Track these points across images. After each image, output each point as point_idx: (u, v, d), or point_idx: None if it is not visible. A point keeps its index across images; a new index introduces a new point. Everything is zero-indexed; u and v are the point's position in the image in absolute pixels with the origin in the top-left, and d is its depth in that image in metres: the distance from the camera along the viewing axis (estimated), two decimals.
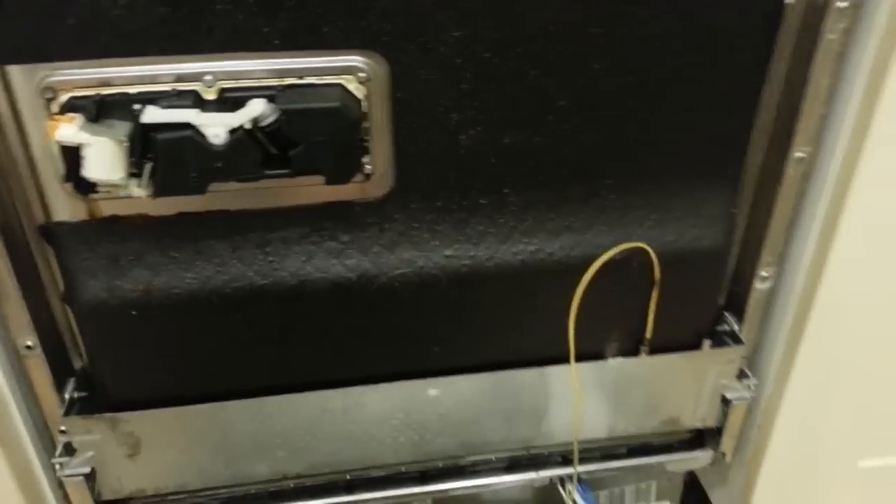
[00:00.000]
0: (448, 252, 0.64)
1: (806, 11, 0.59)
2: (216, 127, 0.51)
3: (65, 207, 0.57)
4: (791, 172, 0.65)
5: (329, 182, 0.56)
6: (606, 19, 0.56)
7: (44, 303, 0.63)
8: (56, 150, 0.52)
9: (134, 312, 0.62)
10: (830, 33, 0.58)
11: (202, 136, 0.50)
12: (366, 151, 0.57)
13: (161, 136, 0.50)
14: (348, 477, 0.76)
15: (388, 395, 0.69)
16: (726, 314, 0.76)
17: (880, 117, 0.58)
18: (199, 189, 0.53)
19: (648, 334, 0.71)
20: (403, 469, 0.77)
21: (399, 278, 0.64)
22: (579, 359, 0.71)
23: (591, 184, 0.63)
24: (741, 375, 0.76)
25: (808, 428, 0.76)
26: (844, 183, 0.62)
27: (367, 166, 0.58)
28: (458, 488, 0.79)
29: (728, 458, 0.80)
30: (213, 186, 0.54)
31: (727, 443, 0.79)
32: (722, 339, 0.76)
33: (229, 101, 0.52)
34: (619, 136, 0.61)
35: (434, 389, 0.69)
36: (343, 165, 0.55)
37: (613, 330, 0.71)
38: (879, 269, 0.66)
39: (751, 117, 0.64)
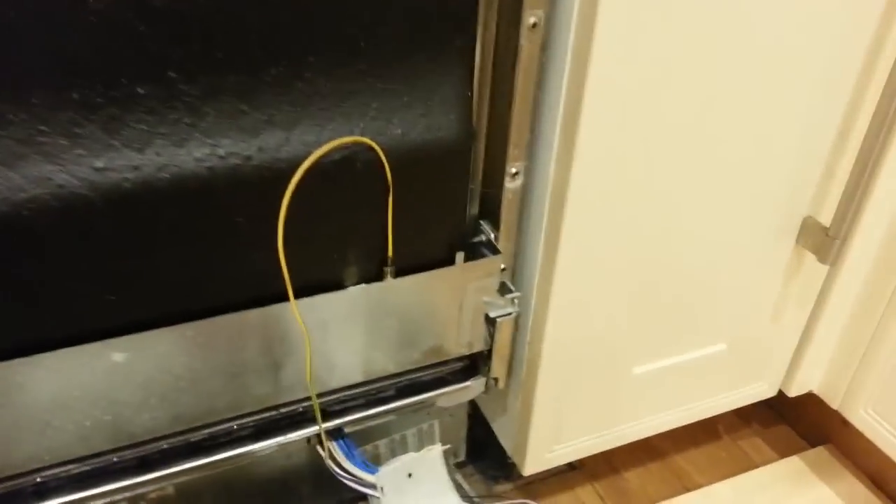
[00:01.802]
0: (99, 164, 0.45)
1: None
2: None
3: None
4: (526, 44, 0.54)
5: None
6: None
7: None
8: None
9: None
10: None
11: None
12: None
13: None
14: (38, 479, 0.56)
15: (53, 369, 0.50)
16: (482, 223, 0.65)
17: None
18: None
19: (390, 252, 0.57)
20: (115, 459, 0.58)
21: (30, 205, 0.44)
22: (311, 292, 0.56)
23: (291, 62, 0.48)
24: (503, 290, 0.65)
25: (578, 339, 0.68)
26: (583, 49, 0.52)
27: None
28: (191, 469, 0.61)
29: (501, 384, 0.70)
30: None
31: (498, 366, 0.69)
32: (480, 252, 0.64)
33: None
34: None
35: (119, 353, 0.51)
36: None
37: (347, 251, 0.56)
38: (633, 145, 0.57)
39: None
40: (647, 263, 0.66)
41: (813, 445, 0.94)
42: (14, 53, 0.41)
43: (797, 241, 0.71)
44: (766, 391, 0.84)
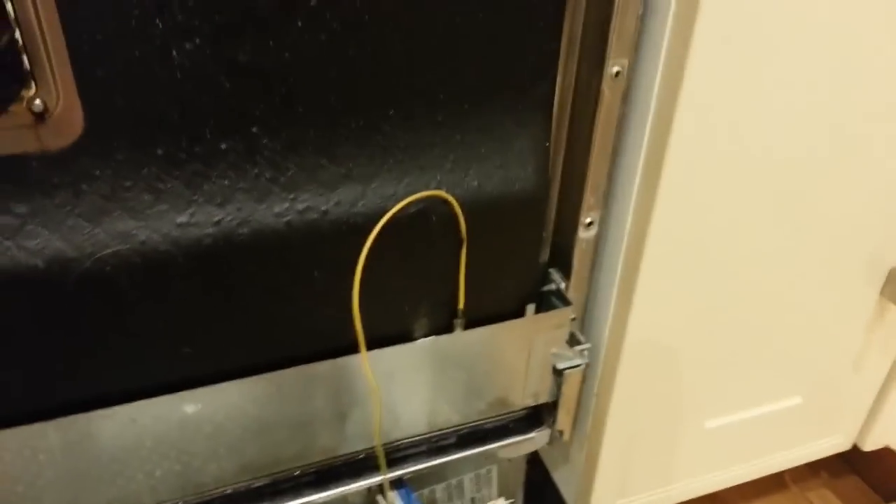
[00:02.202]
0: (182, 219, 0.45)
1: None
2: None
3: None
4: (608, 92, 0.52)
5: None
6: None
7: None
8: None
9: None
10: None
11: None
12: (25, 77, 0.37)
13: None
14: None
15: (126, 420, 0.49)
16: (551, 271, 0.63)
17: (705, 11, 0.46)
18: None
19: (461, 304, 0.55)
20: None
21: (112, 260, 0.44)
22: (380, 343, 0.54)
23: (369, 116, 0.47)
24: (572, 341, 0.63)
25: (648, 392, 0.65)
26: (668, 102, 0.50)
27: (36, 101, 0.38)
28: None
29: (566, 436, 0.68)
30: None
31: (563, 418, 0.66)
32: (549, 301, 0.62)
33: None
34: (398, 52, 0.45)
35: (191, 405, 0.50)
36: None
37: (418, 303, 0.55)
38: (715, 197, 0.55)
39: (557, 25, 0.49)
40: (723, 315, 0.63)
41: (886, 500, 0.89)
42: (100, 108, 0.41)
43: (882, 292, 0.67)
44: (840, 445, 0.80)
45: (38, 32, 0.37)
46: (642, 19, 0.49)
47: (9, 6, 0.35)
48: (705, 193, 0.55)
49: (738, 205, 0.56)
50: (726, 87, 0.50)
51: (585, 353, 0.63)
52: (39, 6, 0.37)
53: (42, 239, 0.42)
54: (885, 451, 0.82)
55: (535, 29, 0.48)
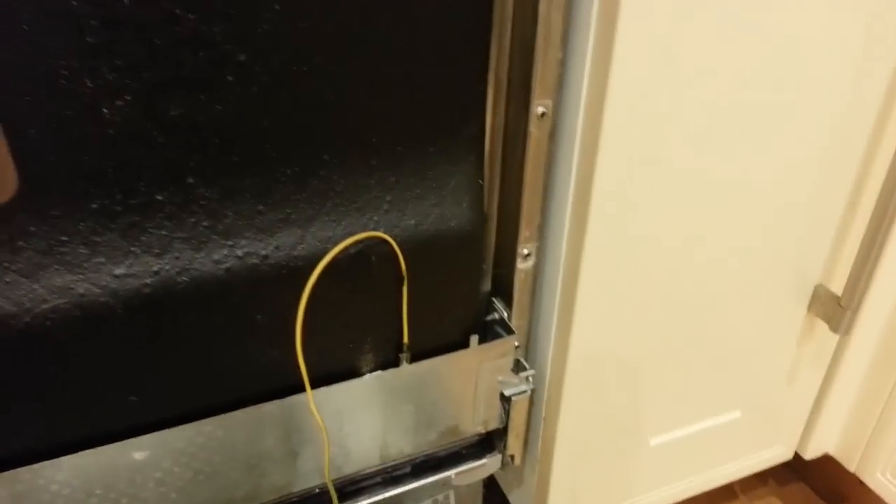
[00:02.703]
0: (119, 270, 0.45)
1: None
2: None
3: None
4: (535, 131, 0.54)
5: None
6: None
7: None
8: None
9: None
10: None
11: None
12: None
13: None
14: None
15: (76, 469, 0.49)
16: (494, 301, 0.64)
17: (620, 55, 0.48)
18: None
19: (405, 339, 0.56)
20: None
21: (52, 314, 0.44)
22: (326, 381, 0.55)
23: (304, 162, 0.48)
24: (517, 368, 0.64)
25: (594, 413, 0.66)
26: (591, 138, 0.52)
27: None
28: None
29: (517, 460, 0.69)
30: None
31: (513, 444, 0.67)
32: (493, 330, 0.64)
33: None
34: (329, 100, 0.46)
35: (139, 452, 0.50)
36: None
37: (363, 340, 0.56)
38: (643, 222, 0.57)
39: (482, 69, 0.51)
40: (660, 334, 0.65)
41: None
42: (33, 166, 0.41)
43: (809, 308, 0.70)
44: (782, 455, 0.83)
45: None
46: (563, 63, 0.51)
47: None
48: (634, 219, 0.57)
49: (666, 227, 0.59)
50: (645, 117, 0.52)
51: (530, 378, 0.65)
52: None
53: None
54: (825, 459, 0.85)
55: (460, 73, 0.50)
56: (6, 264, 0.42)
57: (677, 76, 0.51)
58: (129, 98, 0.41)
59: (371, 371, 0.57)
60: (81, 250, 0.44)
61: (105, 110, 0.41)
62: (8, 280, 0.43)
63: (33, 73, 0.39)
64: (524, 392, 0.64)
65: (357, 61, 0.46)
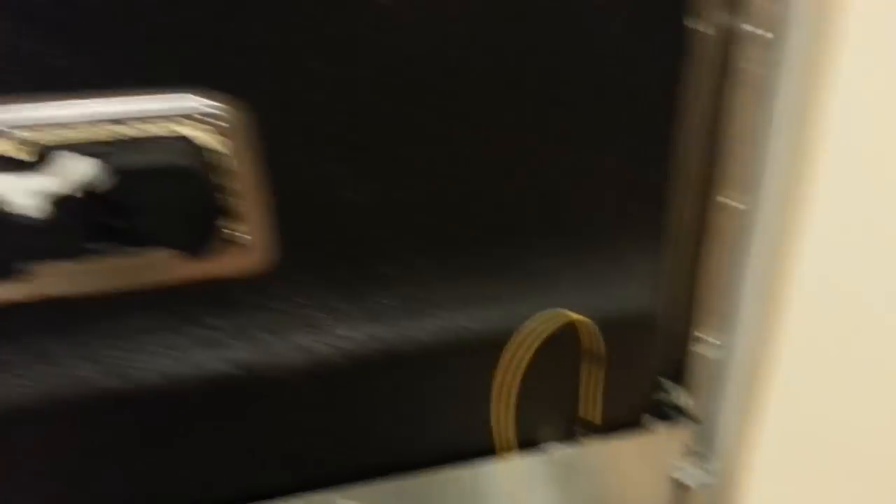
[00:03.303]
0: (348, 333, 0.51)
1: (721, 40, 0.51)
2: (30, 196, 0.38)
3: None
4: (724, 222, 0.55)
5: (182, 256, 0.43)
6: (501, 56, 0.46)
7: None
8: None
9: None
10: (749, 63, 0.50)
11: (11, 206, 0.37)
12: (233, 217, 0.45)
13: None
14: None
15: None
16: (672, 385, 0.65)
17: (818, 154, 0.49)
18: (12, 274, 0.40)
19: (581, 414, 0.58)
20: None
21: (291, 368, 0.50)
22: (508, 448, 0.57)
23: (510, 245, 0.52)
24: (695, 456, 0.63)
25: None
26: (786, 232, 0.53)
27: (240, 234, 0.46)
28: None
29: None
30: (39, 267, 0.41)
31: None
32: (670, 415, 0.64)
33: (45, 159, 0.39)
34: (534, 190, 0.51)
35: (346, 501, 0.55)
36: (197, 235, 0.43)
37: (540, 413, 0.58)
38: (837, 324, 0.56)
39: (668, 161, 0.54)
40: (859, 434, 0.62)
41: None
42: (290, 240, 0.48)
43: None
44: None
45: (250, 189, 0.45)
46: (754, 155, 0.53)
47: (233, 164, 0.44)
48: (830, 316, 0.56)
49: (872, 323, 0.57)
50: (850, 219, 0.52)
51: (708, 468, 0.63)
52: (250, 171, 0.45)
53: (236, 350, 0.49)
54: None
55: (649, 164, 0.53)
56: (257, 322, 0.49)
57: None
58: (371, 184, 0.48)
59: (546, 442, 0.59)
60: (319, 314, 0.50)
61: (350, 193, 0.48)
62: (260, 337, 0.50)
63: (298, 174, 0.46)
64: (701, 481, 0.63)
65: (563, 157, 0.51)
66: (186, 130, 0.42)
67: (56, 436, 0.49)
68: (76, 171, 0.38)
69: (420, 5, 0.43)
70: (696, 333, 0.60)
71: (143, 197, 0.40)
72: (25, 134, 0.39)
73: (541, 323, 0.54)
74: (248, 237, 0.46)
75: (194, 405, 0.50)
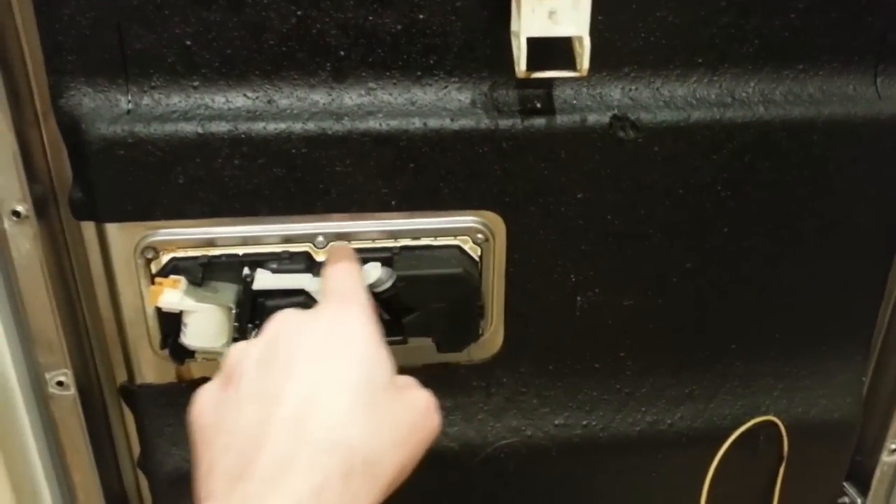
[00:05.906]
0: (558, 420, 0.54)
1: None
2: None
3: (151, 369, 0.48)
4: None
5: (442, 350, 0.47)
6: (732, 181, 0.48)
7: (115, 469, 0.53)
8: (152, 314, 0.44)
9: None
10: None
11: (315, 301, 0.42)
12: (481, 315, 0.48)
13: (272, 302, 0.41)
14: None
15: None
16: (846, 485, 0.64)
17: None
18: None
19: None
20: None
21: (505, 448, 0.53)
22: None
23: (714, 349, 0.54)
24: None
25: None
26: None
27: (482, 329, 0.49)
28: None
29: None
30: None
31: None
32: None
33: None
34: (743, 300, 0.53)
35: None
36: (459, 333, 0.47)
37: None
38: None
39: (877, 287, 0.54)
40: None
41: None
42: (515, 334, 0.51)
43: None
44: None
45: (498, 292, 0.49)
46: None
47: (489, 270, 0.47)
48: None
49: None
50: None
51: None
52: (500, 276, 0.48)
53: (459, 427, 0.52)
54: None
55: (860, 293, 0.54)
56: (481, 405, 0.53)
57: None
58: (597, 290, 0.50)
59: None
60: (534, 401, 0.53)
61: (578, 298, 0.50)
62: (480, 417, 0.53)
63: (543, 273, 0.49)
64: None
65: (778, 275, 0.52)
66: (457, 241, 0.45)
67: None
68: (369, 277, 0.42)
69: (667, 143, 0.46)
70: (887, 443, 0.59)
71: (421, 298, 0.44)
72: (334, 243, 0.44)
73: (743, 424, 0.55)
74: (484, 330, 0.50)
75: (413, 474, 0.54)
